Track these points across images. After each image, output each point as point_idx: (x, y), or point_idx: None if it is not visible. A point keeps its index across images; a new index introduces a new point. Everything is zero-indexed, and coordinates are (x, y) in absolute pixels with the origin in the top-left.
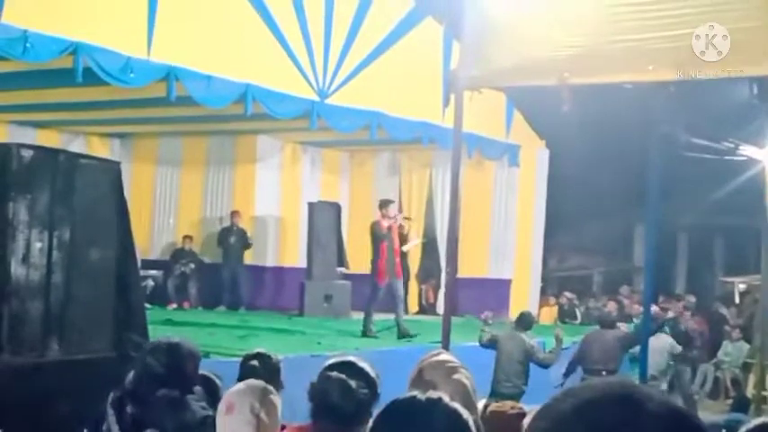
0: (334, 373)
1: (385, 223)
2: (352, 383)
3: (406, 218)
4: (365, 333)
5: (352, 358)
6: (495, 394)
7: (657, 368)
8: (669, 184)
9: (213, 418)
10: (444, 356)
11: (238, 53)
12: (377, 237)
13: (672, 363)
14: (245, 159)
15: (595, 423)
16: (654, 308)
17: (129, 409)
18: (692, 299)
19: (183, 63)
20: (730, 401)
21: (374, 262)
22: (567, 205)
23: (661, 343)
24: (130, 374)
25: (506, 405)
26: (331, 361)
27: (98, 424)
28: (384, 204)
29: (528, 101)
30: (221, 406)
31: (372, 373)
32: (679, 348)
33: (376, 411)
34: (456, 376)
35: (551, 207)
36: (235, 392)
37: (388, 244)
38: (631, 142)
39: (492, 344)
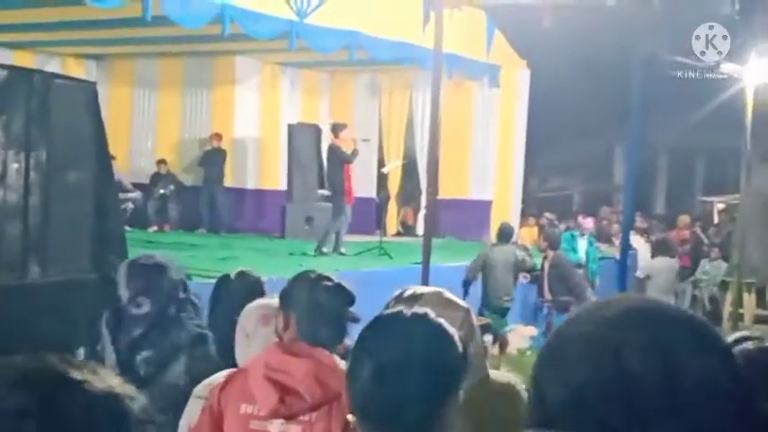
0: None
1: (344, 147)
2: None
3: (364, 140)
4: (338, 251)
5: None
6: (487, 307)
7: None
8: (650, 103)
9: (206, 336)
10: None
11: None
12: (342, 159)
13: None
14: (224, 81)
15: (642, 323)
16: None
17: (122, 328)
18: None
19: None
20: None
21: (342, 184)
22: (548, 126)
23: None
24: (124, 294)
25: None
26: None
27: (94, 344)
28: (340, 128)
29: (509, 20)
30: (251, 319)
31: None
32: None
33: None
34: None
35: (532, 128)
36: (270, 306)
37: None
38: (613, 61)
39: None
